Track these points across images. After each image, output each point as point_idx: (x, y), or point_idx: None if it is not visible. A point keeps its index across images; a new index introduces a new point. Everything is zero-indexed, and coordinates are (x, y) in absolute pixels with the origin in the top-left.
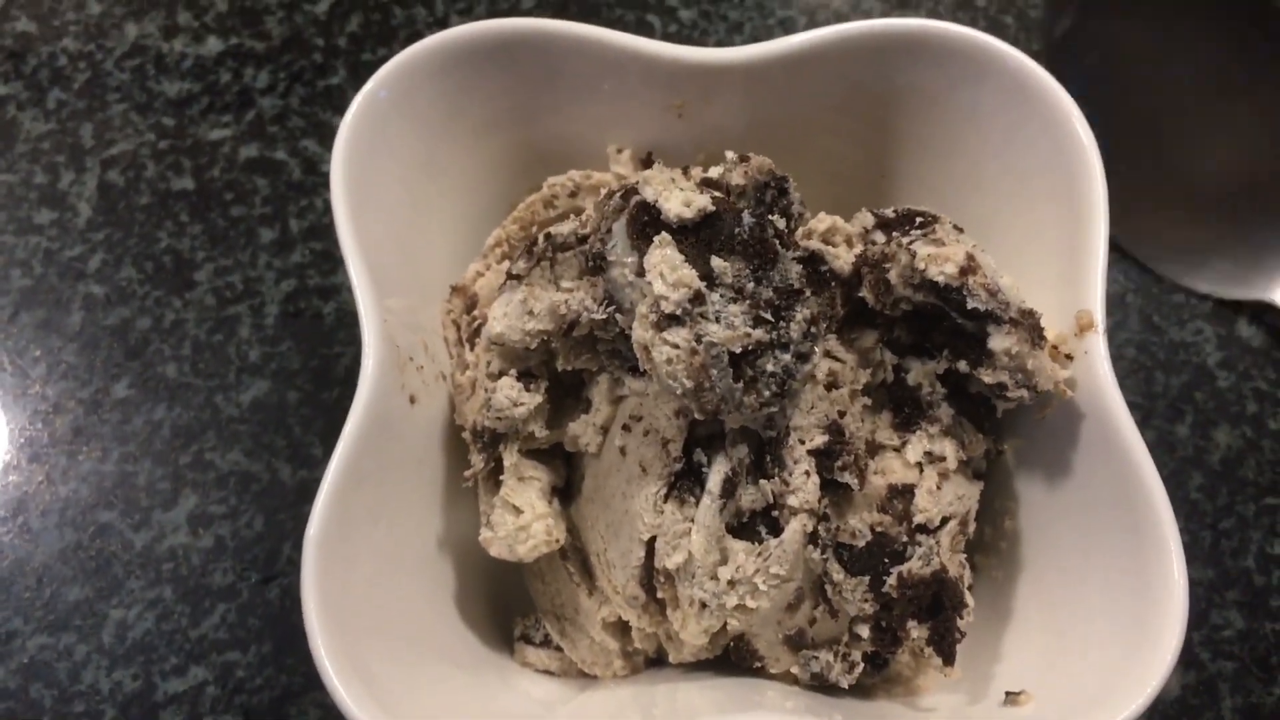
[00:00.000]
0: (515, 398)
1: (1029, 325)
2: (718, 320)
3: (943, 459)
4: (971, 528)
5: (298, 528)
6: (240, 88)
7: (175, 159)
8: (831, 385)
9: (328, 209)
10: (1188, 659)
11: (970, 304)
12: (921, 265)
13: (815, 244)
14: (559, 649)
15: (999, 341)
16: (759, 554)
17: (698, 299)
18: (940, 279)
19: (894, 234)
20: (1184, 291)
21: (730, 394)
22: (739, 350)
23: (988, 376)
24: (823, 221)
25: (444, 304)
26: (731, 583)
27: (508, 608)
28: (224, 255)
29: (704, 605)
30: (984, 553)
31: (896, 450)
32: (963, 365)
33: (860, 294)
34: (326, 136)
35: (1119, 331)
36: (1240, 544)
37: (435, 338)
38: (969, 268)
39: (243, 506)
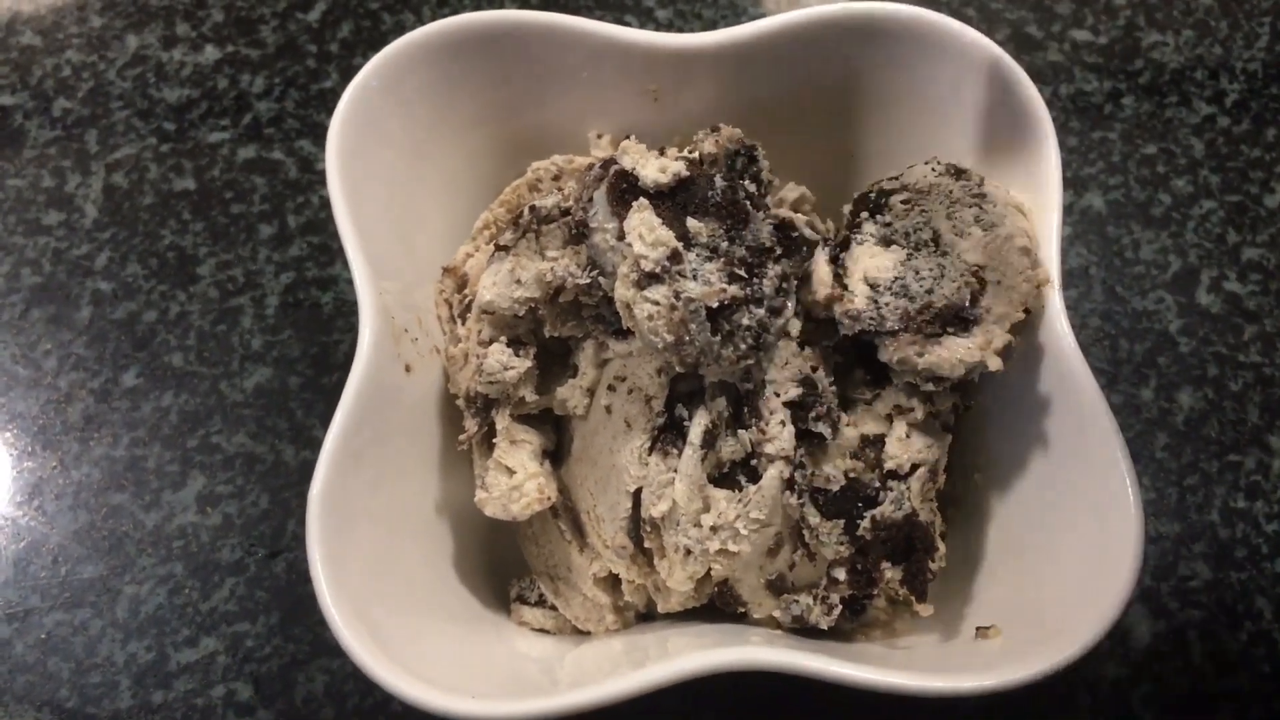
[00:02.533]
0: (505, 362)
1: (917, 324)
2: (695, 278)
3: (911, 410)
4: (941, 478)
5: (301, 505)
6: (237, 93)
7: (177, 161)
8: (805, 343)
9: (323, 205)
10: (1157, 609)
11: (842, 331)
12: (807, 295)
13: (785, 211)
14: (553, 608)
15: (884, 354)
16: (739, 500)
17: (675, 258)
18: (816, 311)
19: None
20: (1145, 263)
21: (709, 347)
22: (715, 305)
23: (896, 379)
24: (793, 191)
25: (436, 284)
26: (714, 528)
27: (504, 570)
28: (225, 250)
29: (689, 552)
30: (955, 505)
31: (867, 404)
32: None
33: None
34: (321, 137)
35: (1084, 302)
36: (1205, 499)
37: (429, 315)
38: (832, 296)
39: (248, 486)
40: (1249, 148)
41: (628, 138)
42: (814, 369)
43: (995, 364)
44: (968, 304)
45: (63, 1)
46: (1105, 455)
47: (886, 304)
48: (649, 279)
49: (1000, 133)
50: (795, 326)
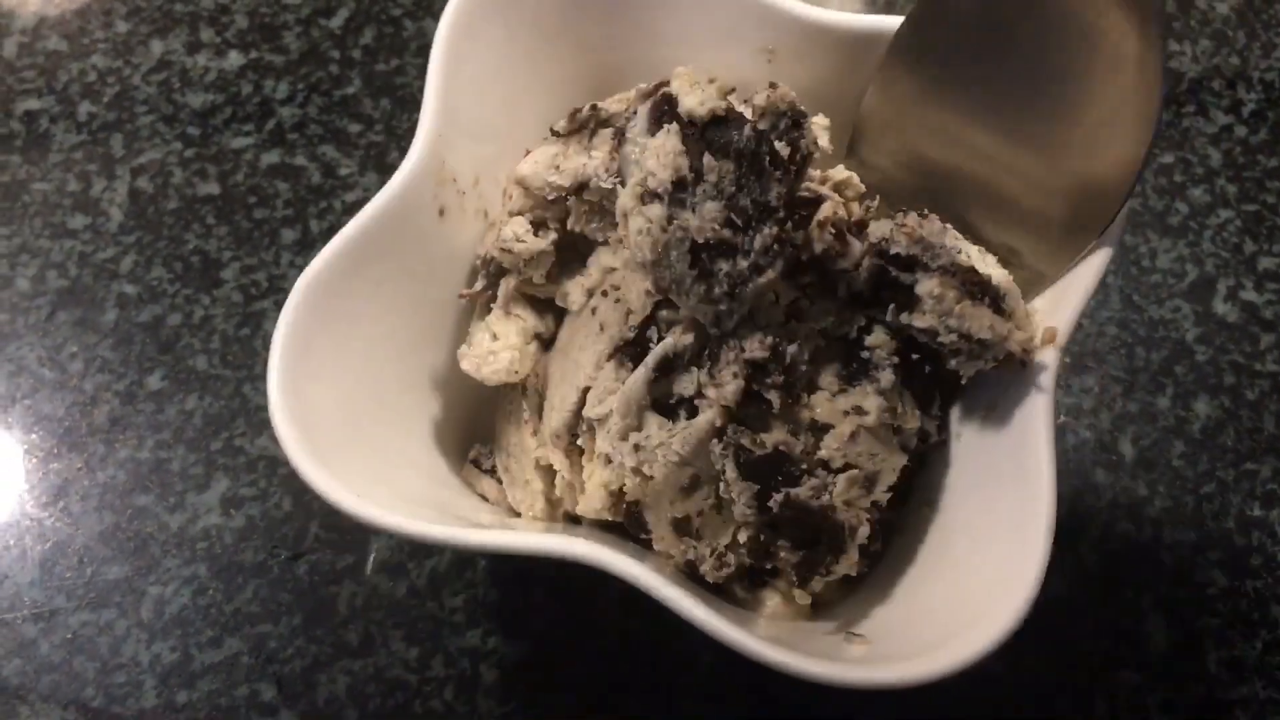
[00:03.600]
0: (520, 235)
1: (965, 279)
2: (693, 210)
3: (866, 414)
4: (881, 493)
5: (322, 507)
6: (261, 99)
7: (201, 166)
8: (793, 317)
9: (346, 210)
10: (1173, 617)
11: (893, 249)
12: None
13: (825, 190)
14: (499, 481)
15: (924, 286)
16: (669, 430)
17: (680, 185)
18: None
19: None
20: (1161, 272)
21: (682, 278)
22: (701, 241)
23: (918, 320)
24: (841, 173)
25: (508, 174)
26: (637, 447)
27: (476, 440)
28: (249, 255)
29: (609, 460)
30: (900, 534)
31: (830, 396)
32: (896, 313)
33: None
34: (344, 142)
35: (1101, 310)
36: (1221, 507)
37: (493, 185)
38: (900, 222)
39: (271, 489)
40: (1266, 157)
41: (732, 90)
42: (790, 343)
43: (1034, 338)
44: (1004, 295)
45: (88, 6)
46: (1032, 529)
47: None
48: (650, 196)
49: None
50: (787, 297)
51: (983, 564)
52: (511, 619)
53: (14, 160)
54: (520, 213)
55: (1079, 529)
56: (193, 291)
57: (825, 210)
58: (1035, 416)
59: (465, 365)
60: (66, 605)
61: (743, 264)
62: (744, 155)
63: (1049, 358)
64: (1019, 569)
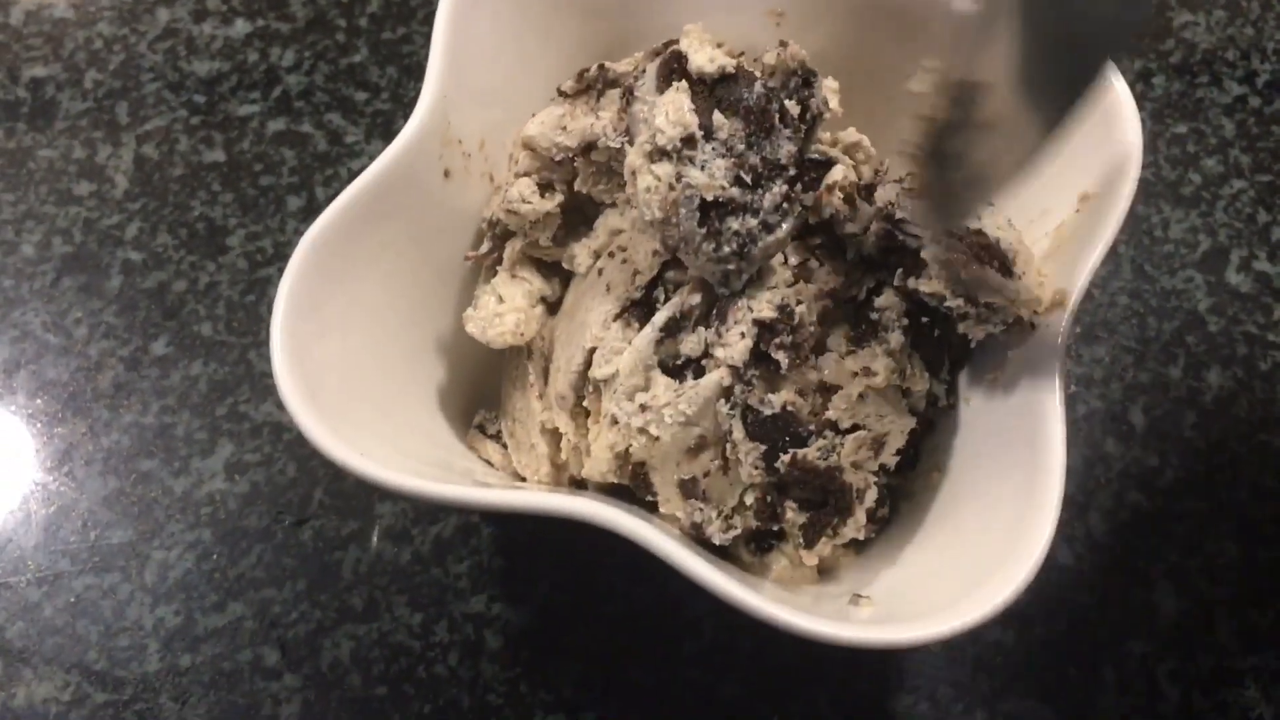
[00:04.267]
0: (526, 196)
1: (972, 242)
2: (702, 168)
3: (875, 375)
4: (889, 455)
5: (327, 474)
6: (267, 66)
7: (207, 133)
8: (802, 279)
9: (352, 177)
10: (1183, 586)
11: (899, 214)
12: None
13: (835, 151)
14: (505, 446)
15: (930, 251)
16: (676, 390)
17: (690, 143)
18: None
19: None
20: (1174, 242)
21: (691, 236)
22: (710, 199)
23: (925, 285)
24: (851, 136)
25: (515, 137)
26: (644, 407)
27: (481, 406)
28: (254, 222)
29: (615, 421)
30: (908, 499)
31: (840, 357)
32: (903, 278)
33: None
34: (350, 110)
35: (1112, 280)
36: (1233, 478)
37: (499, 149)
38: (907, 186)
39: (276, 455)
40: None
41: (741, 54)
42: (798, 304)
43: (1042, 299)
44: (1013, 259)
45: None
46: (1041, 493)
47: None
48: (660, 154)
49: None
50: (796, 258)
51: (991, 528)
52: (515, 586)
53: (20, 127)
54: (527, 174)
55: (1089, 499)
56: (198, 258)
57: (836, 174)
58: (1046, 381)
59: (470, 328)
60: (70, 569)
61: (752, 222)
62: (754, 113)
63: (1059, 322)
64: (1028, 532)
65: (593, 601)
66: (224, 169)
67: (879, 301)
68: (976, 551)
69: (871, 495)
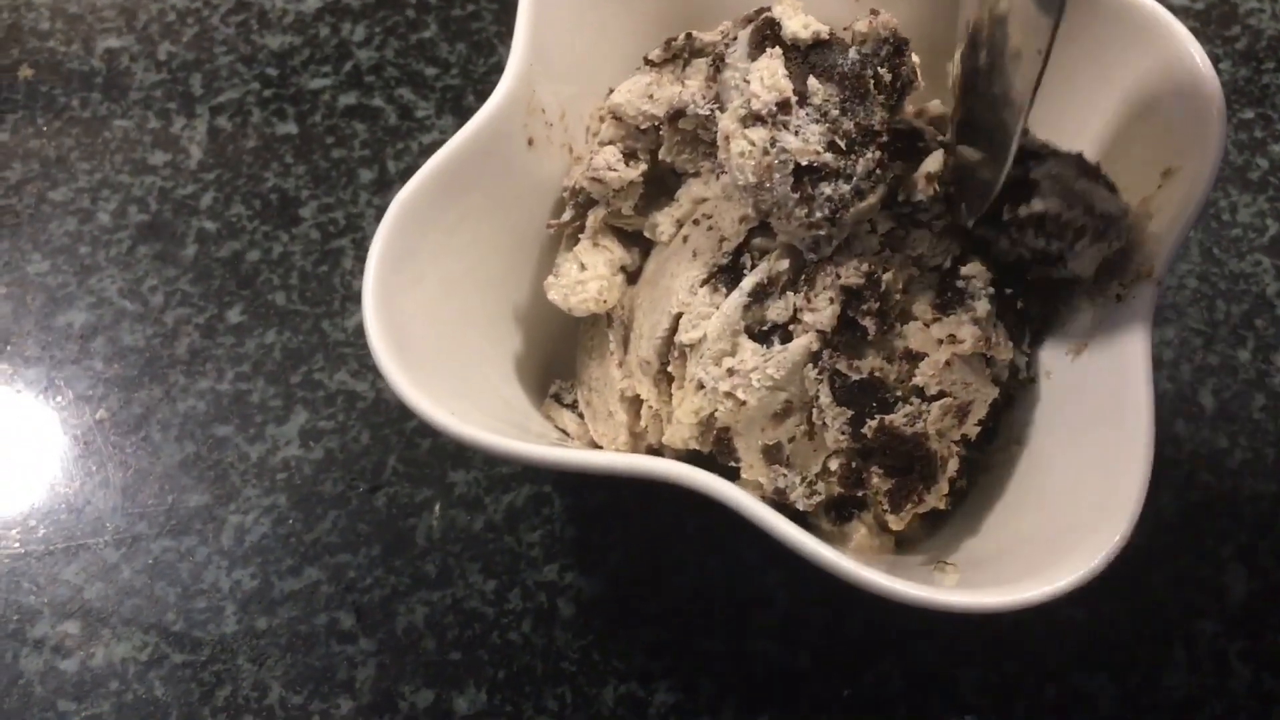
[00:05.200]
0: (612, 164)
1: (1078, 162)
2: (796, 133)
3: (962, 342)
4: (972, 426)
5: (401, 441)
6: (338, 41)
7: (279, 106)
8: (889, 246)
9: (422, 151)
10: (1254, 566)
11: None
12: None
13: (922, 124)
14: (581, 416)
15: (1040, 170)
16: (763, 355)
17: (785, 107)
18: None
19: None
20: (1242, 226)
21: (784, 200)
22: (805, 164)
23: (1038, 205)
24: (938, 108)
25: (594, 109)
26: (731, 371)
27: (555, 376)
28: (326, 194)
29: (701, 386)
30: (986, 472)
31: (925, 325)
32: (1013, 209)
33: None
34: (420, 85)
35: (1181, 264)
36: None
37: (578, 119)
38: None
39: (350, 422)
40: None
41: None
42: (885, 271)
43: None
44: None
45: None
46: (1128, 462)
47: None
48: (754, 119)
49: (1154, 107)
50: (884, 225)
51: (1076, 499)
52: (588, 555)
53: (95, 97)
54: (611, 142)
55: (1159, 479)
56: (271, 229)
57: (932, 164)
58: (1133, 352)
59: (553, 295)
60: (148, 532)
61: (844, 188)
62: (848, 78)
63: (1146, 292)
64: (1116, 502)
65: (665, 572)
66: (296, 141)
67: (965, 270)
68: (1063, 519)
69: (953, 465)
